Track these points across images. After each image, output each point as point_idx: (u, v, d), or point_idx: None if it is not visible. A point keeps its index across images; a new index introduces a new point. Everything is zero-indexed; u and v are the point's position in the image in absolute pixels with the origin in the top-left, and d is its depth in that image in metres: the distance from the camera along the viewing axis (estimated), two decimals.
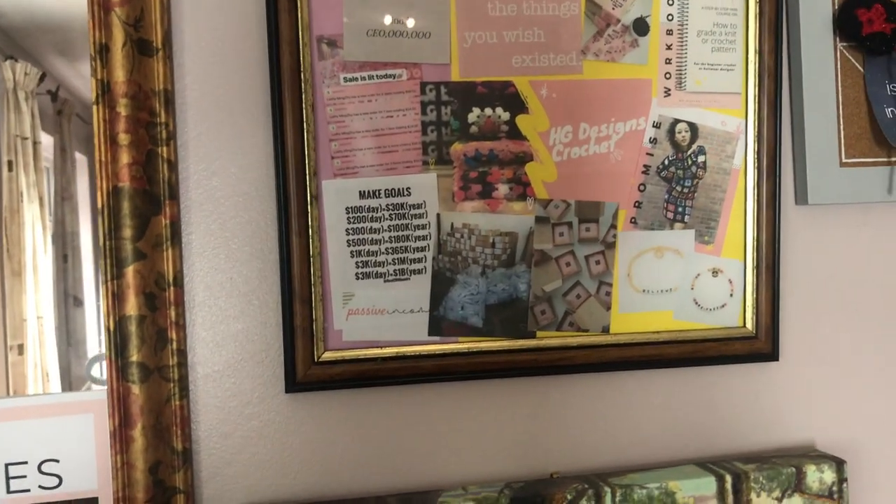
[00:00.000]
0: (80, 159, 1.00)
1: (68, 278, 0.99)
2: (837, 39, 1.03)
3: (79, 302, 1.00)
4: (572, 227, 0.99)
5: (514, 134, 0.97)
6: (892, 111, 1.04)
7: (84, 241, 1.00)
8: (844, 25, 1.03)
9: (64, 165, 0.99)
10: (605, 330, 1.00)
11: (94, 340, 1.01)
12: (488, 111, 0.96)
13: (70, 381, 0.99)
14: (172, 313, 0.93)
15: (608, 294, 1.00)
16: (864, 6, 1.03)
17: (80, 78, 0.94)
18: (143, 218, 0.91)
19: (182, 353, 0.93)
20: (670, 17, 0.99)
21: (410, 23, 0.94)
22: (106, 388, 0.90)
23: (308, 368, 0.93)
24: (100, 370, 0.95)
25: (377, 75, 0.94)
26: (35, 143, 0.97)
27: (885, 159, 1.05)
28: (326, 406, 0.96)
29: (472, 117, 0.96)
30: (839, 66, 1.03)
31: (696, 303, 1.02)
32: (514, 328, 0.98)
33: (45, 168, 0.98)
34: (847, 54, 1.04)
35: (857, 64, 1.04)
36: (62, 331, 0.99)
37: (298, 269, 0.93)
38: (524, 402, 1.01)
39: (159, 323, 0.92)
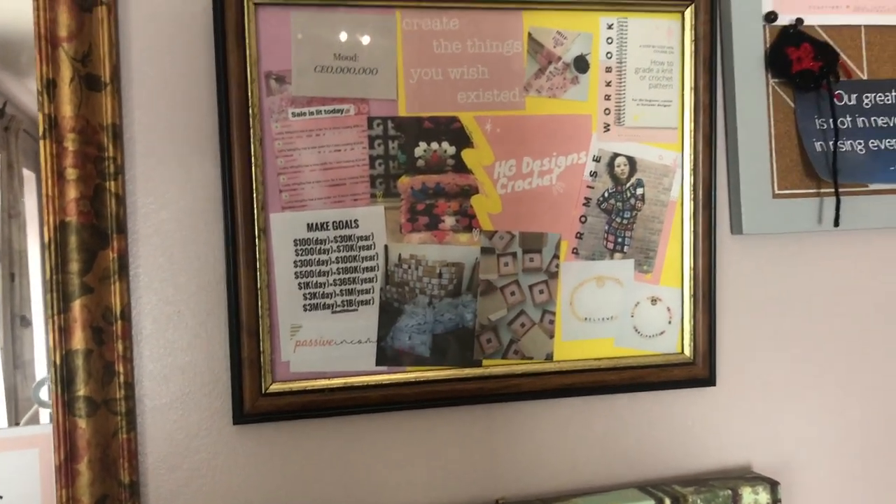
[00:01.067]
0: (28, 176, 0.98)
1: (15, 298, 0.98)
2: (769, 76, 1.08)
3: (27, 322, 0.98)
4: (517, 257, 1.01)
5: (460, 167, 0.99)
6: (821, 145, 1.09)
7: (33, 260, 0.98)
8: (775, 63, 1.07)
9: (11, 182, 0.98)
10: (549, 357, 1.03)
11: (43, 362, 0.99)
12: (434, 145, 0.98)
13: (16, 403, 0.97)
14: (120, 347, 0.93)
15: (552, 322, 1.03)
16: (793, 45, 1.07)
17: (28, 94, 0.93)
18: (90, 252, 0.91)
19: (129, 386, 0.94)
20: (609, 55, 1.02)
21: (358, 59, 0.96)
22: (51, 422, 0.90)
23: (255, 400, 0.94)
24: (46, 393, 0.94)
25: (325, 110, 0.96)
26: None
27: (814, 191, 1.09)
28: (274, 437, 0.97)
29: (418, 151, 0.98)
30: (771, 102, 1.08)
31: (636, 330, 1.05)
32: (460, 357, 1.01)
33: None
34: (778, 90, 1.08)
35: (788, 99, 1.09)
36: (8, 352, 0.97)
37: (246, 301, 0.94)
38: (470, 430, 1.03)
39: (106, 356, 0.92)
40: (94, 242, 0.92)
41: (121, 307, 0.93)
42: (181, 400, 0.96)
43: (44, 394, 0.95)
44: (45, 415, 0.95)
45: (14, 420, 0.95)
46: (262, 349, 0.94)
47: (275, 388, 0.95)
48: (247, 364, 0.94)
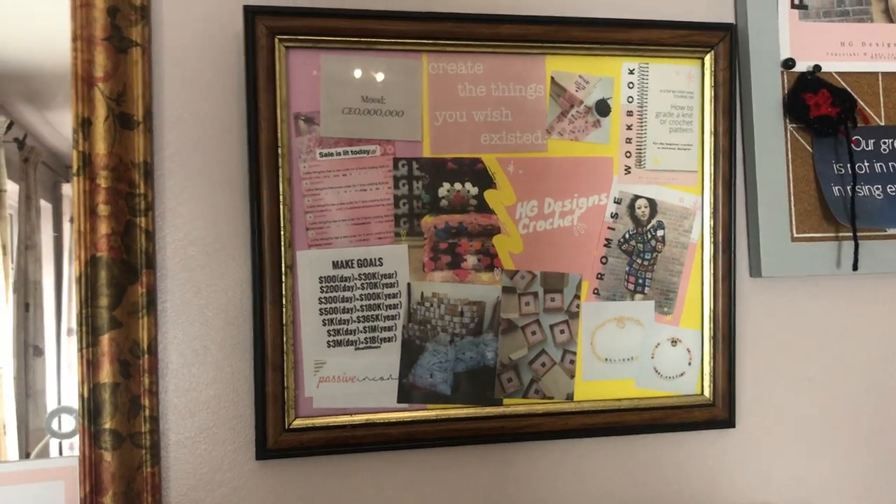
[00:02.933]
0: (45, 207, 1.00)
1: (29, 328, 0.99)
2: (787, 121, 1.09)
3: (39, 352, 0.99)
4: (538, 297, 1.02)
5: (483, 208, 1.01)
6: (839, 189, 1.10)
7: (47, 291, 1.00)
8: (793, 109, 1.09)
9: (28, 213, 0.99)
10: (570, 397, 1.04)
11: (54, 391, 1.00)
12: (458, 186, 1.00)
13: (27, 433, 0.98)
14: (146, 380, 0.94)
15: (572, 362, 1.04)
16: (811, 91, 1.09)
17: (47, 125, 0.96)
18: (119, 287, 0.93)
19: (154, 419, 0.95)
20: (630, 100, 1.04)
21: (385, 101, 0.98)
22: (77, 454, 0.91)
23: (279, 435, 0.95)
24: (58, 423, 0.95)
25: (352, 151, 0.98)
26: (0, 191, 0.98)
27: (833, 235, 1.10)
28: (296, 473, 0.98)
29: (442, 191, 1.00)
30: (789, 147, 1.09)
31: (657, 371, 1.06)
32: (481, 395, 1.01)
33: (9, 215, 0.99)
34: (797, 135, 1.10)
35: (806, 144, 1.10)
36: (21, 381, 0.98)
37: (271, 337, 0.95)
38: (490, 469, 1.03)
39: (133, 390, 0.94)
40: (124, 277, 0.93)
41: (148, 341, 0.94)
42: (205, 434, 0.97)
43: (56, 424, 0.95)
44: (54, 445, 0.96)
45: (25, 449, 0.96)
46: (286, 385, 0.95)
47: (298, 423, 0.96)
48: (271, 399, 0.95)
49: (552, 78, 1.02)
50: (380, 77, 0.98)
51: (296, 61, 0.96)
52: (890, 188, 1.12)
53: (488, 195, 1.01)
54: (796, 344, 1.12)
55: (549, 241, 1.03)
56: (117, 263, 0.93)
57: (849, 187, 1.09)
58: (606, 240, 1.04)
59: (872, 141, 1.13)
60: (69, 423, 0.95)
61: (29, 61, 0.96)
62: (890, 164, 1.13)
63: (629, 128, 1.05)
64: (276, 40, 0.95)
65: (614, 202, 1.04)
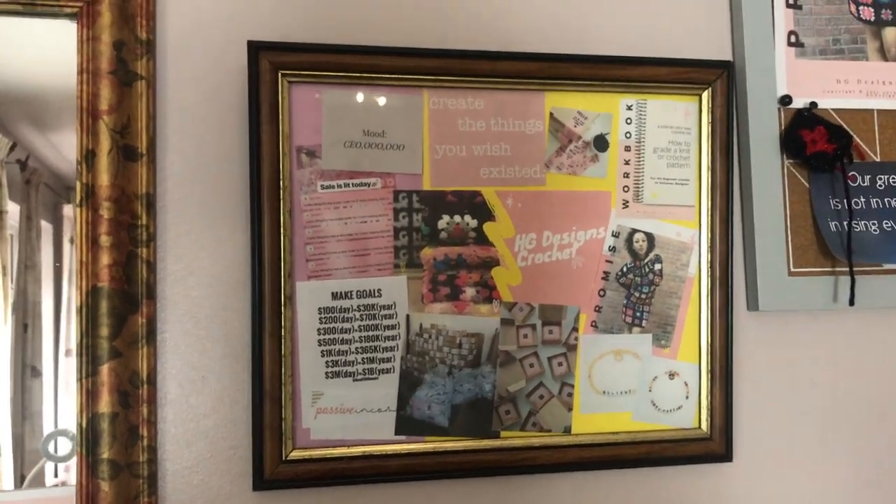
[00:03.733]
0: (46, 227, 1.00)
1: (27, 348, 0.99)
2: (784, 157, 1.11)
3: (37, 373, 0.99)
4: (536, 329, 1.03)
5: (482, 240, 1.02)
6: (835, 224, 1.11)
7: (45, 311, 1.00)
8: (790, 145, 1.10)
9: (29, 234, 0.99)
10: (567, 430, 1.04)
11: (51, 413, 0.99)
12: (457, 218, 1.01)
13: (23, 454, 0.97)
14: (145, 410, 0.95)
15: (570, 395, 1.04)
16: (807, 127, 1.10)
17: (50, 147, 0.97)
18: (120, 317, 0.93)
19: (152, 449, 0.95)
20: (628, 135, 1.05)
21: (386, 135, 0.99)
22: (74, 483, 0.91)
23: (276, 466, 0.95)
24: (55, 447, 0.95)
25: (353, 183, 0.99)
26: (1, 212, 0.98)
27: (829, 269, 1.11)
28: None
29: (441, 224, 1.01)
30: (786, 182, 1.10)
31: (654, 404, 1.06)
32: (478, 428, 1.01)
33: (10, 236, 0.98)
34: (793, 171, 1.11)
35: (802, 180, 1.11)
36: (17, 403, 0.97)
37: (270, 368, 0.95)
38: (487, 501, 1.03)
39: (131, 420, 0.94)
40: (124, 307, 0.94)
41: (147, 371, 0.95)
42: (203, 464, 0.97)
43: (52, 447, 0.95)
44: (50, 468, 0.96)
45: (20, 472, 0.95)
46: (283, 416, 0.96)
47: (295, 454, 0.96)
48: (268, 430, 0.95)
49: (551, 113, 1.04)
50: (381, 111, 0.99)
51: (298, 95, 0.97)
52: (886, 224, 1.13)
53: (487, 228, 1.02)
54: (793, 378, 1.12)
55: (547, 274, 1.03)
56: (118, 294, 0.93)
57: (845, 223, 1.10)
58: (604, 273, 1.05)
59: (868, 177, 1.14)
60: (65, 446, 0.95)
61: (34, 85, 0.97)
62: (886, 199, 1.14)
63: (627, 163, 1.06)
64: (280, 75, 0.96)
65: (612, 236, 1.05)
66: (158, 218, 0.98)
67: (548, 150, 1.04)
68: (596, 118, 1.05)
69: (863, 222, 1.12)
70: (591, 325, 1.05)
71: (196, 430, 0.97)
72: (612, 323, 1.05)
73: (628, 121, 1.06)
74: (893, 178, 1.14)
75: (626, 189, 1.06)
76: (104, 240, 0.93)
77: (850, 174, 1.12)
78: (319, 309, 0.98)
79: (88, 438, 0.92)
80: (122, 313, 0.94)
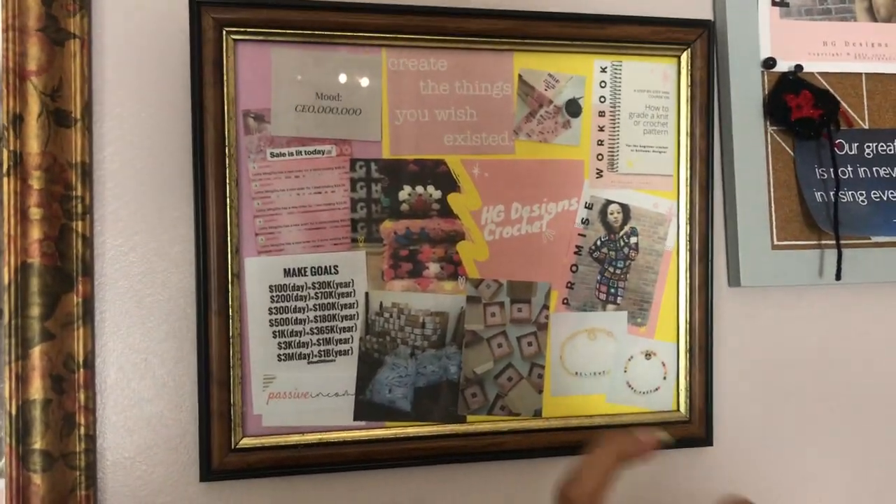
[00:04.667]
0: None
1: None
2: (768, 124, 1.04)
3: None
4: (504, 307, 0.96)
5: (446, 212, 0.95)
6: (821, 195, 1.05)
7: None
8: (774, 110, 1.04)
9: None
10: (537, 414, 0.98)
11: None
12: (419, 189, 0.94)
13: None
14: (81, 396, 0.88)
15: (540, 377, 0.98)
16: (792, 92, 1.04)
17: None
18: (53, 296, 0.86)
19: (90, 438, 0.88)
20: (602, 99, 0.99)
21: (341, 99, 0.92)
22: (3, 479, 0.84)
23: (224, 456, 0.89)
24: None
25: (306, 151, 0.92)
26: None
27: (815, 243, 1.05)
28: (243, 495, 0.92)
29: (402, 195, 0.94)
30: (770, 150, 1.04)
31: (630, 386, 1.00)
32: (443, 412, 0.95)
33: None
34: (777, 138, 1.05)
35: (787, 148, 1.05)
36: None
37: (217, 350, 0.89)
38: (453, 490, 0.97)
39: (66, 407, 0.87)
40: (58, 286, 0.87)
41: (84, 355, 0.88)
42: (145, 454, 0.90)
43: None
44: None
45: None
46: (232, 401, 0.89)
47: (245, 442, 0.90)
48: (216, 417, 0.89)
49: (520, 76, 0.97)
50: (336, 73, 0.92)
51: (245, 55, 0.90)
52: (874, 194, 1.07)
53: (452, 199, 0.95)
54: (777, 357, 1.07)
55: (516, 249, 0.97)
56: (50, 270, 0.86)
57: (832, 193, 1.04)
58: (577, 247, 0.99)
59: (856, 145, 1.08)
60: None
61: None
62: (874, 168, 1.08)
63: (601, 129, 0.99)
64: (224, 32, 0.89)
65: (585, 207, 0.99)
66: (95, 189, 0.90)
67: (517, 115, 0.97)
68: (568, 81, 0.98)
69: (850, 193, 1.06)
70: (563, 303, 0.98)
71: (138, 417, 0.90)
72: (584, 300, 0.99)
73: (602, 84, 0.99)
74: (882, 147, 1.08)
75: (600, 157, 0.99)
76: (34, 212, 0.86)
77: (836, 141, 1.06)
78: (271, 287, 0.91)
79: (18, 428, 0.85)
80: (56, 292, 0.87)
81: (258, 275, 0.90)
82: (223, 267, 0.89)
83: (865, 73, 1.08)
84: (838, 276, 1.03)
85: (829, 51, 1.08)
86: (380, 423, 0.94)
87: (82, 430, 0.88)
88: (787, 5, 1.07)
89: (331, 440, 0.92)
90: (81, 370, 0.88)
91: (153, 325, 0.90)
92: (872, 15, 1.09)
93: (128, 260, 0.90)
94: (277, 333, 0.91)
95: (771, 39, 1.06)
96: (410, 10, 0.92)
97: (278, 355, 0.91)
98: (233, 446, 0.89)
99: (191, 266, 0.90)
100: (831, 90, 1.06)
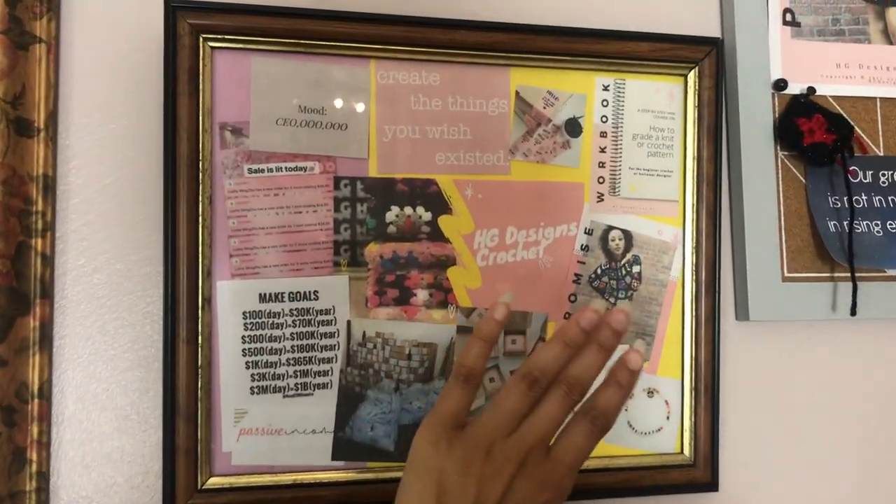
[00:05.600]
0: None
1: None
2: (778, 148, 0.98)
3: None
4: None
5: (436, 236, 0.89)
6: (834, 225, 0.99)
7: None
8: (785, 135, 0.98)
9: None
10: None
11: None
12: (408, 210, 0.88)
13: None
14: (35, 430, 0.80)
15: None
16: (804, 115, 0.98)
17: None
18: (6, 319, 0.80)
19: (43, 476, 0.81)
20: (604, 119, 0.93)
21: (325, 113, 0.86)
22: None
23: (190, 496, 0.81)
24: None
25: (286, 167, 0.86)
26: None
27: (828, 275, 0.99)
28: None
29: (390, 216, 0.88)
30: (780, 176, 0.98)
31: (630, 426, 0.93)
32: None
33: None
34: (788, 163, 0.99)
35: (798, 174, 0.99)
36: None
37: (184, 380, 0.81)
38: None
39: (17, 441, 0.80)
40: (13, 308, 0.80)
41: (39, 384, 0.81)
42: (104, 493, 0.83)
43: None
44: None
45: None
46: (200, 437, 0.82)
47: (213, 482, 0.82)
48: (181, 454, 0.81)
49: (517, 92, 0.91)
50: (321, 85, 0.86)
51: (223, 64, 0.84)
52: (890, 224, 1.01)
53: (443, 222, 0.89)
54: (787, 397, 1.00)
55: (510, 276, 0.90)
56: (5, 291, 0.80)
57: (845, 223, 0.98)
58: (576, 275, 0.92)
59: (871, 172, 1.02)
60: None
61: None
62: (890, 198, 1.02)
63: (602, 150, 0.93)
64: (201, 39, 0.83)
65: (585, 233, 0.92)
66: (58, 204, 0.84)
67: (513, 134, 0.91)
68: (568, 99, 0.92)
69: (864, 222, 1.00)
70: None
71: (98, 453, 0.83)
72: None
73: (604, 103, 0.93)
74: None
75: (601, 180, 0.93)
76: None
77: (850, 169, 1.00)
78: (244, 313, 0.84)
79: None
80: (10, 314, 0.80)
81: (231, 300, 0.84)
82: (193, 291, 0.82)
83: (880, 98, 1.03)
84: (853, 311, 0.97)
85: (843, 73, 1.02)
86: (360, 463, 0.86)
87: (34, 467, 0.80)
88: (798, 25, 1.01)
89: (307, 481, 0.85)
90: (36, 400, 0.81)
91: (117, 352, 0.83)
92: (888, 37, 1.04)
93: (91, 282, 0.83)
94: (251, 364, 0.84)
95: (782, 60, 1.00)
96: (402, 21, 0.86)
97: (251, 388, 0.84)
98: (199, 486, 0.82)
99: (159, 289, 0.84)
100: (844, 114, 1.01)
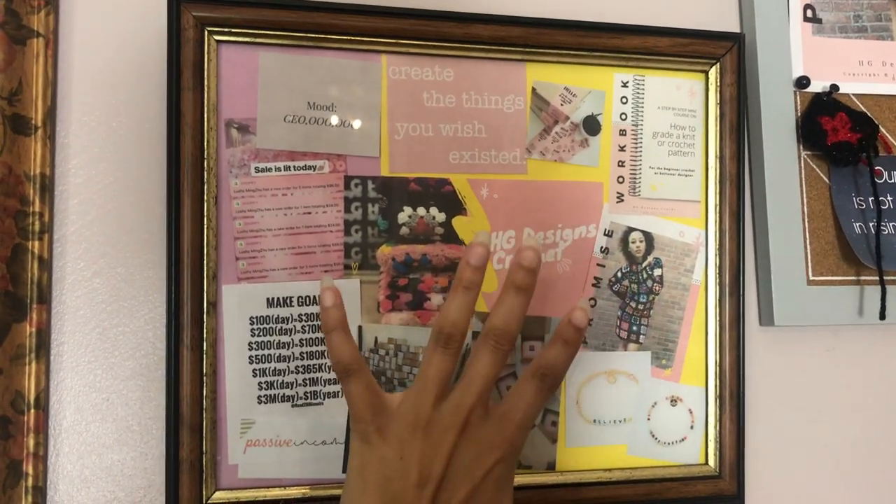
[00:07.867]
0: None
1: None
2: (801, 148, 0.95)
3: None
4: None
5: (450, 237, 0.85)
6: (860, 226, 0.95)
7: None
8: (808, 134, 0.95)
9: None
10: (551, 467, 0.87)
11: None
12: (421, 211, 0.84)
13: None
14: (31, 442, 0.76)
15: (554, 424, 0.87)
16: (827, 114, 0.95)
17: None
18: (1, 325, 0.76)
19: (39, 491, 0.77)
20: (623, 117, 0.90)
21: (336, 109, 0.82)
22: None
23: None
24: None
25: (295, 166, 0.82)
26: None
27: (854, 278, 0.95)
28: None
29: (402, 217, 0.84)
30: (804, 176, 0.95)
31: (653, 436, 0.89)
32: None
33: None
34: (812, 163, 0.96)
35: (822, 174, 0.96)
36: None
37: (188, 390, 0.78)
38: None
39: (13, 454, 0.76)
40: (8, 313, 0.76)
41: (36, 393, 0.77)
42: None
43: None
44: None
45: None
46: (204, 449, 0.78)
47: (218, 496, 0.78)
48: (185, 467, 0.77)
49: (534, 89, 0.88)
50: (330, 80, 0.82)
51: (229, 58, 0.81)
52: None
53: (457, 223, 0.85)
54: (813, 405, 0.96)
55: None
56: (0, 297, 0.76)
57: (871, 224, 0.95)
58: (595, 279, 0.89)
59: (895, 172, 0.99)
60: None
61: None
62: None
63: (622, 149, 0.90)
64: (206, 33, 0.79)
65: (604, 235, 0.89)
66: (57, 205, 0.80)
67: (529, 131, 0.87)
68: (586, 96, 0.89)
69: (890, 224, 0.97)
70: None
71: (97, 466, 0.79)
72: (604, 338, 0.89)
73: (623, 100, 0.90)
74: None
75: (620, 180, 0.90)
76: None
77: (876, 168, 0.97)
78: (251, 318, 0.80)
79: None
80: (5, 320, 0.76)
81: (237, 304, 0.80)
82: (198, 295, 0.78)
83: None
84: (882, 316, 0.94)
85: (866, 71, 0.99)
86: None
87: (30, 481, 0.76)
88: (819, 21, 0.98)
89: (317, 495, 0.81)
90: (32, 411, 0.77)
91: (118, 360, 0.80)
92: None
93: (91, 286, 0.80)
94: (258, 372, 0.80)
95: (803, 57, 0.97)
96: (414, 14, 0.83)
97: (258, 397, 0.80)
98: (204, 501, 0.78)
99: (162, 294, 0.80)
100: (868, 113, 0.98)
